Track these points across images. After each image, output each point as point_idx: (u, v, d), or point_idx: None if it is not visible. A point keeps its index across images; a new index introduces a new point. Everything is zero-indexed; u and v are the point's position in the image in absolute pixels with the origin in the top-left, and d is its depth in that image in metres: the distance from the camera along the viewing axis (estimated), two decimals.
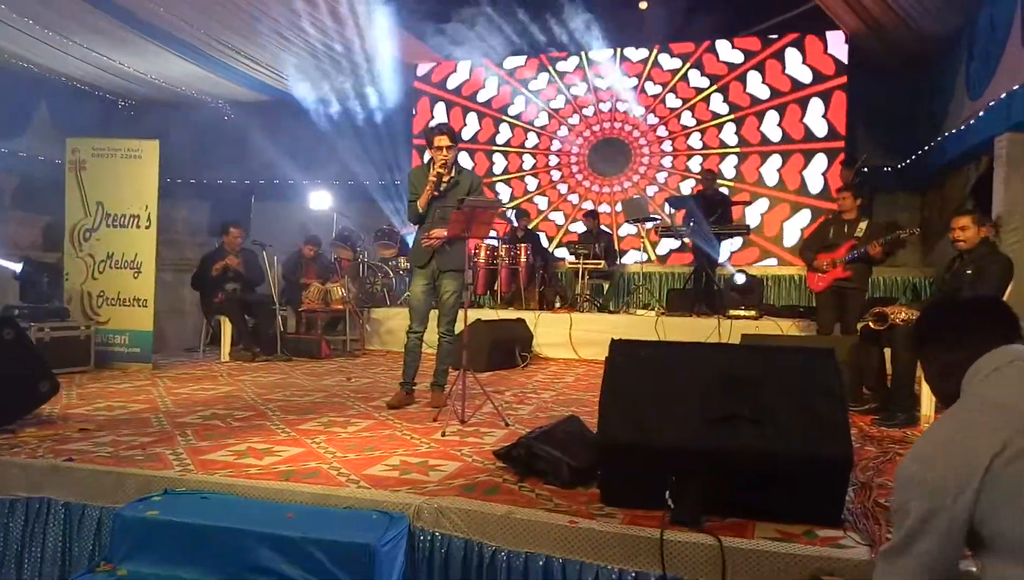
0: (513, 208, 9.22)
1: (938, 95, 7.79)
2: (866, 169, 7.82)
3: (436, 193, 4.35)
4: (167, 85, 10.31)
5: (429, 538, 2.46)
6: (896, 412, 3.97)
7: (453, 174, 4.43)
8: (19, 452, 3.13)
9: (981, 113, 6.23)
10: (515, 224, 8.82)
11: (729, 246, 8.50)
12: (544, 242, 9.44)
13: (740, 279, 7.76)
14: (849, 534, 2.22)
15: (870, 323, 4.14)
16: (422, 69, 10.67)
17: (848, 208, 5.64)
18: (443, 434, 3.64)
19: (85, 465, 2.95)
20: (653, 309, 7.81)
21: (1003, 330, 1.50)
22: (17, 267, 6.78)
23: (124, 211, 6.19)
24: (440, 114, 10.51)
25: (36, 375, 3.71)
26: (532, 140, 10.26)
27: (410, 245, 8.61)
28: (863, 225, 5.53)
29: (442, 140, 4.32)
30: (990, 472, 1.26)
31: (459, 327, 4.46)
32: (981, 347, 1.46)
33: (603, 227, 8.94)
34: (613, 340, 2.73)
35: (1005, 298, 3.95)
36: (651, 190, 9.59)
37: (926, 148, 7.94)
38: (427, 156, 4.44)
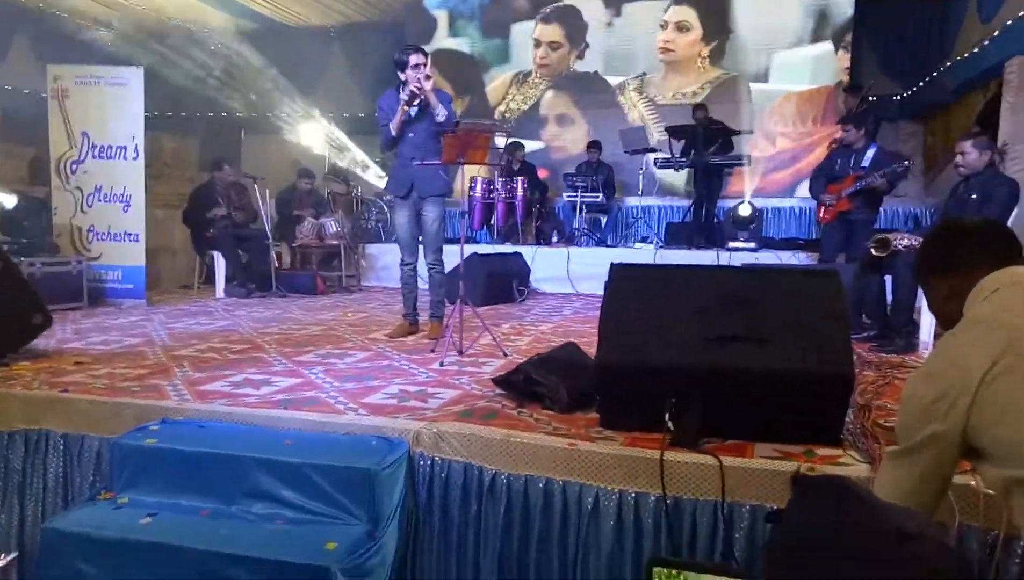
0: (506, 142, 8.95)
1: (948, 19, 7.55)
2: (873, 97, 7.62)
3: (410, 115, 4.19)
4: (151, 12, 9.95)
5: (429, 462, 2.46)
6: (895, 338, 3.97)
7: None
8: (14, 384, 3.10)
9: (992, 36, 6.04)
10: (507, 155, 8.60)
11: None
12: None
13: (745, 211, 7.66)
14: (848, 452, 2.22)
15: (872, 249, 4.09)
16: None
17: (853, 139, 5.51)
18: (441, 364, 3.63)
19: (82, 396, 2.93)
20: (652, 242, 7.75)
21: (1004, 252, 1.51)
22: (12, 201, 6.60)
23: (110, 142, 6.03)
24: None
25: (27, 307, 3.65)
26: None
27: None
28: (870, 154, 5.41)
29: (419, 58, 4.16)
30: (981, 388, 1.31)
31: (455, 261, 4.40)
32: (983, 270, 1.48)
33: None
34: (613, 263, 2.68)
35: (1010, 222, 3.90)
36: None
37: (934, 74, 7.74)
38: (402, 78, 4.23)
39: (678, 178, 9.09)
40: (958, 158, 4.10)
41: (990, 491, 1.39)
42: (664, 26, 9.39)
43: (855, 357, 3.04)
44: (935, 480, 1.43)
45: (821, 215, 5.65)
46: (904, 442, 1.46)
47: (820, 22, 8.82)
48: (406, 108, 4.17)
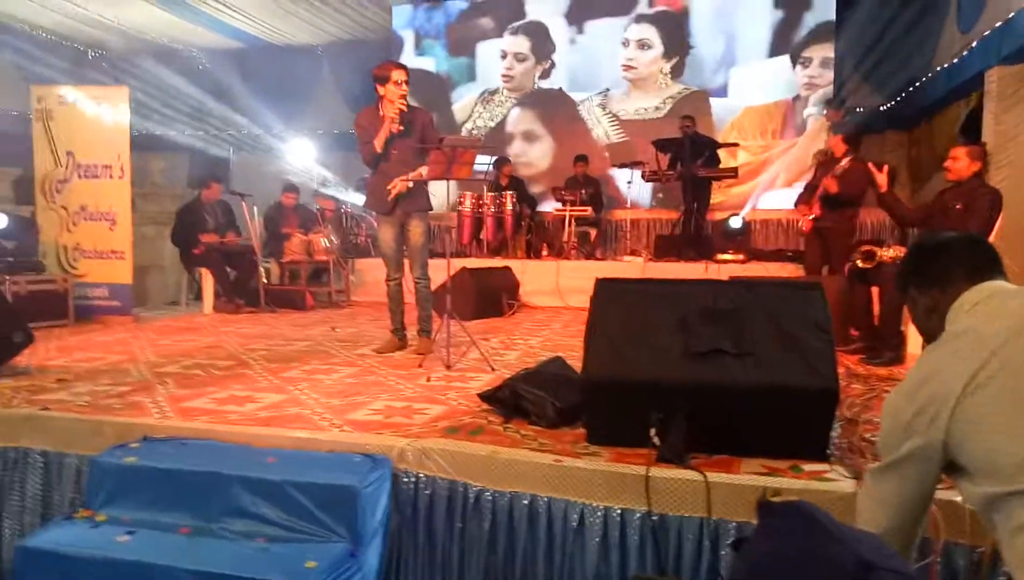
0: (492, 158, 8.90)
1: (928, 29, 7.63)
2: (860, 109, 7.68)
3: (396, 131, 4.18)
4: (138, 33, 9.96)
5: (413, 479, 2.43)
6: (883, 350, 3.97)
7: (406, 111, 4.24)
8: None
9: (972, 47, 6.11)
10: (494, 170, 8.55)
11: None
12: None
13: (736, 223, 7.67)
14: (835, 467, 2.21)
15: (857, 261, 4.11)
16: (460, 8, 10.31)
17: (833, 144, 5.55)
18: (428, 379, 3.61)
19: (62, 413, 2.90)
20: (640, 256, 7.75)
21: (984, 266, 1.52)
22: (3, 221, 6.53)
23: (96, 161, 6.01)
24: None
25: (8, 325, 3.62)
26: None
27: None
28: (844, 162, 5.46)
29: (401, 74, 4.16)
30: (960, 401, 1.31)
31: (443, 276, 4.39)
32: (964, 284, 1.48)
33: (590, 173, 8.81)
34: (598, 279, 2.68)
35: (994, 232, 3.92)
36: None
37: (916, 85, 7.81)
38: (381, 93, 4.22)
39: (643, 191, 9.19)
40: (948, 162, 4.12)
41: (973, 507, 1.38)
42: (626, 44, 9.56)
43: (843, 370, 3.04)
44: (917, 496, 1.43)
45: (804, 224, 5.68)
46: (886, 457, 1.46)
47: (777, 38, 9.03)
48: (393, 127, 4.16)
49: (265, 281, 7.02)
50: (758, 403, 2.29)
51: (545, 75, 9.95)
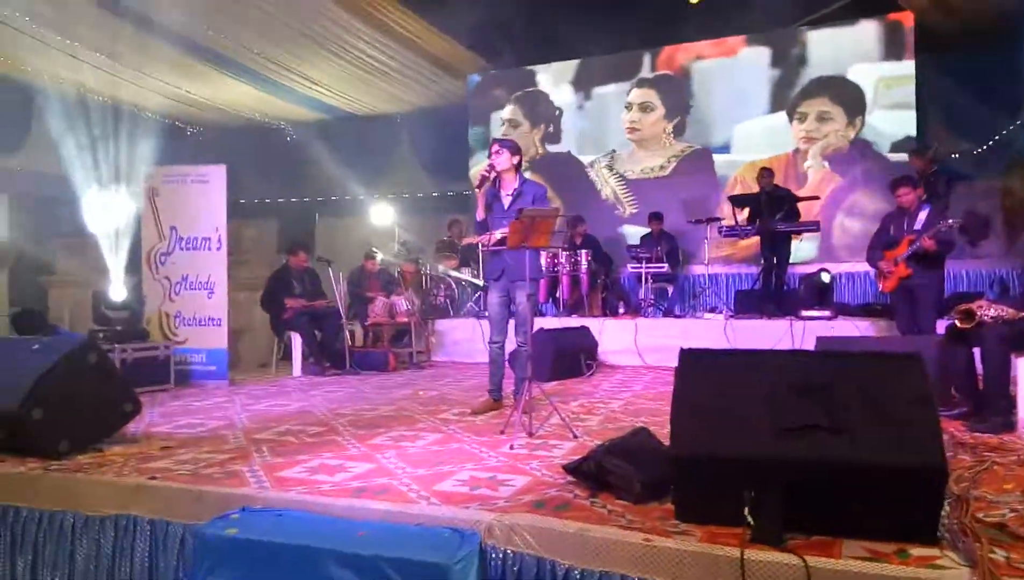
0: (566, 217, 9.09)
1: (1017, 73, 7.35)
2: (956, 155, 7.44)
3: (496, 202, 4.52)
4: (231, 109, 10.69)
5: (501, 556, 2.43)
6: (990, 416, 3.73)
7: (517, 185, 4.58)
8: (107, 471, 3.26)
9: None
10: (568, 230, 8.63)
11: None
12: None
13: (826, 278, 7.41)
14: (946, 553, 2.08)
15: (956, 322, 3.92)
16: (475, 80, 10.81)
17: (908, 201, 5.41)
18: (511, 447, 3.62)
19: (167, 483, 3.05)
20: (721, 312, 7.62)
21: None
22: (122, 294, 7.04)
23: (196, 234, 6.44)
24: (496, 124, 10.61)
25: (119, 396, 3.86)
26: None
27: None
28: (922, 215, 5.31)
29: (493, 147, 4.55)
30: None
31: None
32: None
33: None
34: (682, 350, 2.65)
35: None
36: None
37: (1004, 132, 7.50)
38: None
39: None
40: None
41: None
42: (629, 107, 9.97)
43: (946, 438, 2.88)
44: None
45: (881, 285, 5.56)
46: None
47: (775, 95, 9.27)
48: (481, 191, 4.53)
49: (350, 343, 7.25)
50: (857, 482, 2.19)
51: (549, 138, 10.48)
